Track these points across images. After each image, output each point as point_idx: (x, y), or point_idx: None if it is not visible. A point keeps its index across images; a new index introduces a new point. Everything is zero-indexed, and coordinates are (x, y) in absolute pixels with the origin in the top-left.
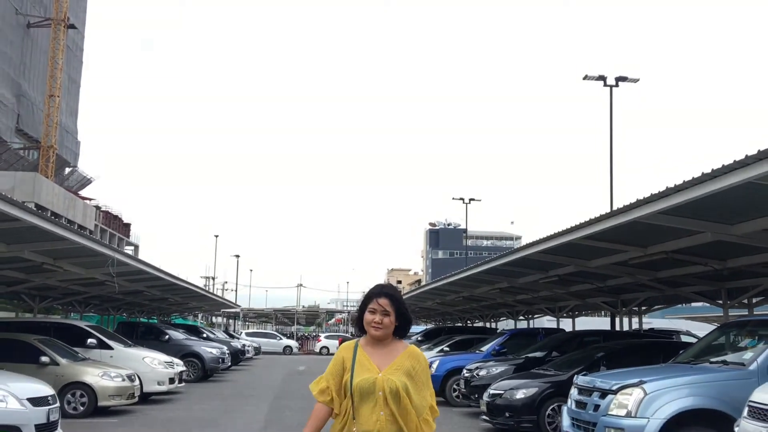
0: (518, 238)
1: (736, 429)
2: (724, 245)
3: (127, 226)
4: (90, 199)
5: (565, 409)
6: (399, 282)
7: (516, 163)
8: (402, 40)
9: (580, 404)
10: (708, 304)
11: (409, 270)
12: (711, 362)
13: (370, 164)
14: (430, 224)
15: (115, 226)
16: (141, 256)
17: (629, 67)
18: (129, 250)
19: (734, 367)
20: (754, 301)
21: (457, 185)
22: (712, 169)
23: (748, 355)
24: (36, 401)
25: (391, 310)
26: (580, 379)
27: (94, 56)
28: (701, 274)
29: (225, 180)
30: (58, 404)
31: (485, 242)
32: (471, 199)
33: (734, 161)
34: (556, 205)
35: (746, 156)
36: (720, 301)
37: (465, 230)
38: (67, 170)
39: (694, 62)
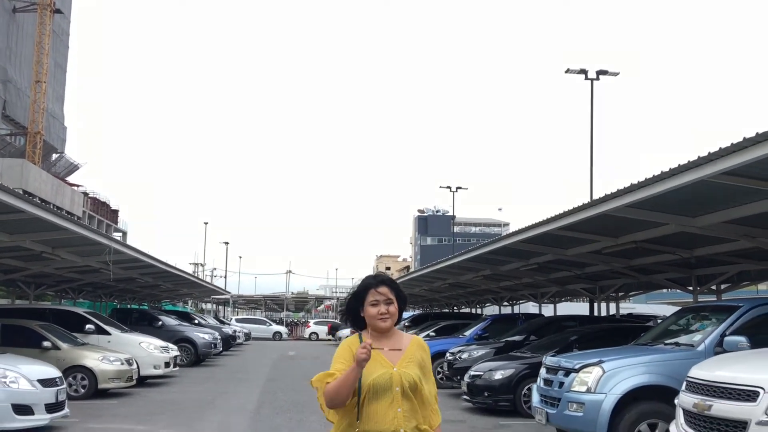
0: (506, 224)
1: (676, 401)
2: (690, 236)
3: (115, 212)
4: (77, 186)
5: (535, 387)
6: (388, 268)
7: (504, 151)
8: (395, 31)
9: (547, 382)
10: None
11: (398, 256)
12: (665, 344)
13: (359, 151)
14: (419, 211)
15: (103, 212)
16: (129, 243)
17: (638, 62)
18: (117, 236)
19: (685, 348)
20: (722, 287)
21: (447, 173)
22: (670, 168)
23: (697, 337)
24: (45, 382)
25: (393, 297)
26: (548, 360)
27: (81, 40)
28: (672, 262)
29: (214, 167)
30: (65, 385)
31: (473, 229)
32: (458, 188)
33: (688, 161)
34: (544, 192)
35: (698, 157)
36: (690, 288)
37: (452, 217)
38: (54, 156)
39: (676, 54)
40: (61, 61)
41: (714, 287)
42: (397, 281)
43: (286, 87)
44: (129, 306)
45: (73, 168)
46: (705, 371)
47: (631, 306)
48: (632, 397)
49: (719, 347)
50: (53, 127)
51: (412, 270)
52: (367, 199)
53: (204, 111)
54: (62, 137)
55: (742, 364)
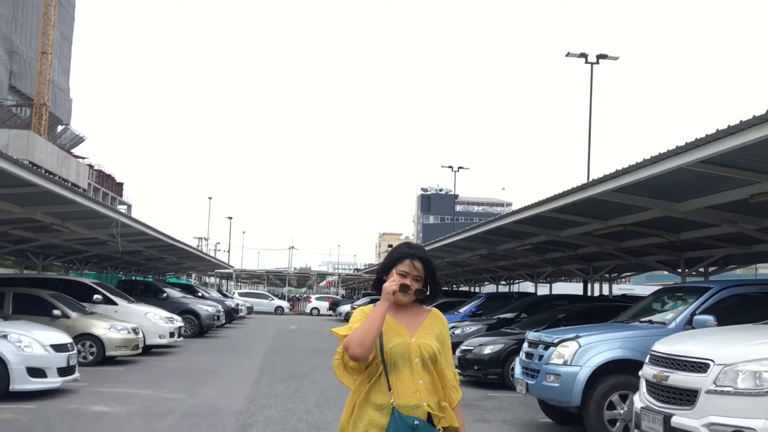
0: (509, 204)
1: (640, 373)
2: (675, 220)
3: (120, 185)
4: (83, 158)
5: (517, 360)
6: (390, 246)
7: (509, 132)
8: (400, 11)
9: (529, 355)
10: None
11: (401, 234)
12: (641, 321)
13: (363, 129)
14: (422, 189)
15: (108, 185)
16: (133, 216)
17: (639, 47)
18: (122, 209)
19: (657, 326)
20: (710, 270)
21: (451, 152)
22: (651, 156)
23: (669, 315)
24: (57, 347)
25: (423, 276)
26: (530, 335)
27: (86, 12)
28: (660, 244)
29: (219, 141)
30: (75, 351)
31: (476, 208)
32: (460, 167)
33: (667, 150)
34: (548, 172)
35: (677, 146)
36: (679, 270)
37: (455, 196)
38: (60, 128)
39: (674, 41)
40: (67, 33)
41: (702, 270)
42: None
43: (292, 64)
44: (134, 278)
45: (78, 140)
46: (666, 346)
47: (629, 287)
48: (606, 370)
49: (689, 325)
50: (59, 98)
51: None
52: (370, 176)
53: (210, 86)
54: (68, 109)
55: (697, 340)
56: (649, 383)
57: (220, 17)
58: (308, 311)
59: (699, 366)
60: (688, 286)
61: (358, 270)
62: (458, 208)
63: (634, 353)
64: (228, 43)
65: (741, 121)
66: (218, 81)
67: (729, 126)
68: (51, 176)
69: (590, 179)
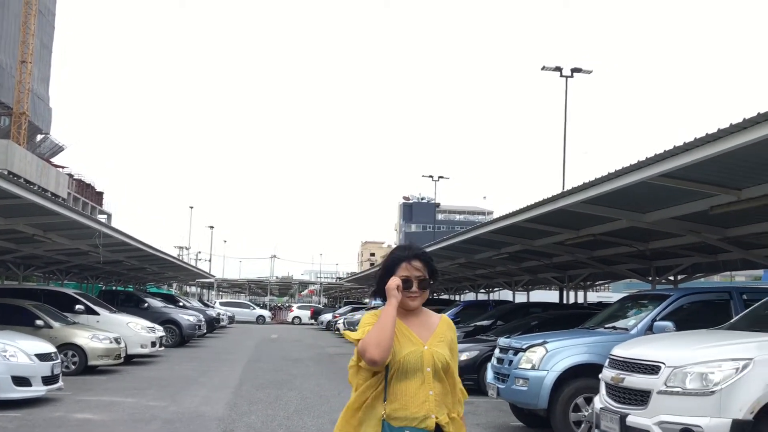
0: (490, 212)
1: (600, 376)
2: (643, 230)
3: (100, 194)
4: (62, 167)
5: (489, 365)
6: (372, 254)
7: (490, 141)
8: (382, 23)
9: (500, 360)
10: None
11: (383, 243)
12: (605, 327)
13: (345, 138)
14: (404, 198)
15: (88, 194)
16: (114, 226)
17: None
18: (102, 218)
19: (620, 331)
20: (679, 278)
21: (433, 161)
22: (615, 170)
23: (632, 321)
24: (42, 357)
25: (426, 275)
26: (501, 341)
27: (66, 21)
28: (631, 253)
29: (200, 150)
30: (59, 360)
31: (458, 216)
32: (440, 177)
33: (630, 164)
34: (528, 181)
35: (638, 161)
36: (650, 278)
37: (435, 205)
38: (39, 137)
39: (646, 54)
40: (47, 42)
41: (672, 278)
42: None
43: (273, 74)
44: (115, 288)
45: (58, 149)
46: (623, 350)
47: (608, 295)
48: (571, 374)
49: (649, 331)
50: (38, 107)
51: None
52: (353, 185)
53: (190, 95)
54: (47, 118)
55: (651, 344)
56: (608, 385)
57: (197, 27)
58: (290, 320)
59: (651, 368)
60: (650, 293)
61: (340, 279)
62: (440, 216)
63: (597, 358)
64: (207, 52)
65: (695, 138)
66: (199, 90)
67: (685, 142)
68: (32, 186)
69: (561, 191)
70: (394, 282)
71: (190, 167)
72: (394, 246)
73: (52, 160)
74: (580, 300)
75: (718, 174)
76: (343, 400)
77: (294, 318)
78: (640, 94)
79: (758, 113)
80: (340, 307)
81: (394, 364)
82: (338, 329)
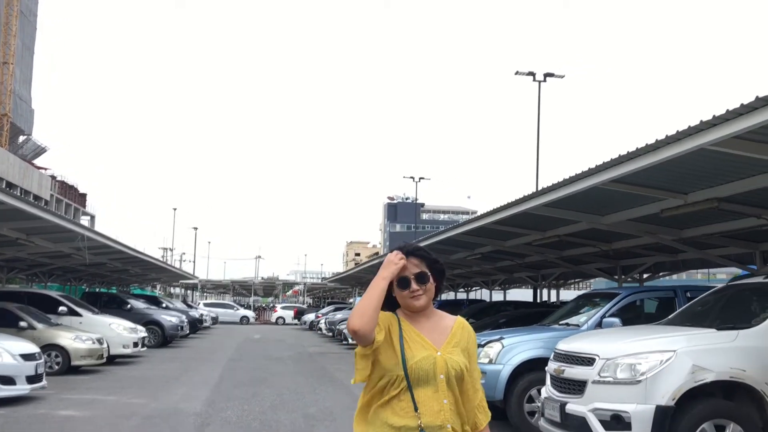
0: (474, 212)
1: (546, 368)
2: (604, 231)
3: (83, 196)
4: (45, 169)
5: None
6: (357, 254)
7: (474, 142)
8: (368, 25)
9: None
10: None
11: (368, 243)
12: (560, 324)
13: (330, 138)
14: (389, 198)
15: (71, 196)
16: (98, 227)
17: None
18: (85, 220)
19: (572, 328)
20: (644, 276)
21: (417, 161)
22: (570, 176)
23: (583, 318)
24: (26, 357)
25: (426, 269)
26: None
27: (48, 22)
28: (597, 253)
29: (184, 152)
30: (43, 360)
31: (442, 216)
32: (421, 178)
33: (582, 171)
34: (509, 179)
35: (588, 168)
36: (616, 277)
37: (417, 205)
38: (21, 139)
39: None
40: (29, 43)
41: (637, 276)
42: (366, 264)
43: (257, 76)
44: (98, 290)
45: (40, 150)
46: (565, 344)
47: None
48: (527, 368)
49: (599, 326)
50: (20, 109)
51: (380, 255)
52: (338, 185)
53: (173, 96)
54: (30, 119)
55: (589, 339)
56: (551, 377)
57: (180, 29)
58: (274, 321)
59: (588, 360)
60: (603, 292)
61: (325, 279)
62: (424, 216)
63: (550, 352)
64: (190, 54)
65: (637, 147)
66: (182, 91)
67: (629, 151)
68: (14, 192)
69: (524, 195)
70: (394, 254)
71: (174, 168)
72: (378, 245)
73: (34, 161)
74: (554, 298)
75: (665, 179)
76: (318, 397)
77: (278, 318)
78: (613, 94)
79: (689, 126)
80: (323, 307)
81: (410, 373)
82: (320, 329)
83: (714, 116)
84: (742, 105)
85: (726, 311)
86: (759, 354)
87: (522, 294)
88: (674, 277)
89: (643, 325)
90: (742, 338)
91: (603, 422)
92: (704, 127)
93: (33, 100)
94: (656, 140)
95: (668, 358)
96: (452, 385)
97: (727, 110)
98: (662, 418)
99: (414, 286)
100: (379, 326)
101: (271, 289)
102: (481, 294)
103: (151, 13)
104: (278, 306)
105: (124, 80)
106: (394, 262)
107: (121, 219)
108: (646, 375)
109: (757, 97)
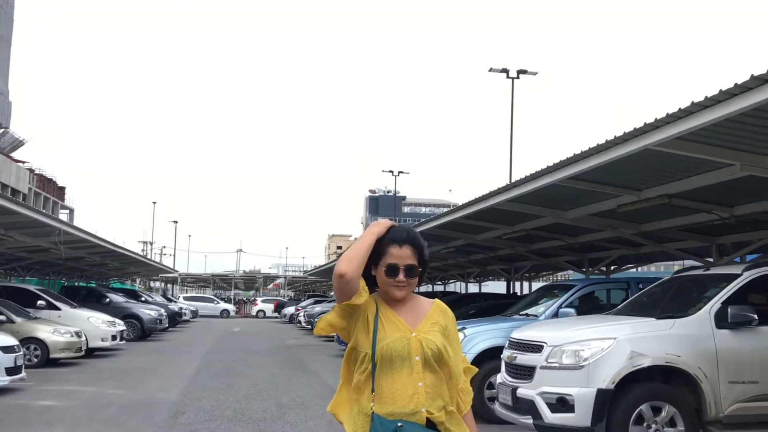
0: (455, 205)
1: (501, 356)
2: (570, 225)
3: (62, 189)
4: (23, 162)
5: None
6: (339, 247)
7: (455, 136)
8: (351, 19)
9: None
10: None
11: (350, 236)
12: (519, 314)
13: (312, 131)
14: (370, 191)
15: (50, 189)
16: (77, 221)
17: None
18: (64, 214)
19: (531, 318)
20: (612, 268)
21: (399, 155)
22: (530, 173)
23: (541, 309)
24: (5, 349)
25: (416, 263)
26: None
27: (25, 13)
28: (565, 247)
29: (163, 145)
30: (22, 352)
31: (424, 209)
32: (400, 172)
33: (541, 168)
34: (489, 173)
35: (547, 166)
36: (584, 269)
37: (402, 198)
38: None
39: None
40: (6, 34)
41: (604, 268)
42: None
43: (237, 67)
44: (77, 284)
45: (18, 143)
46: (518, 333)
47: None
48: (487, 356)
49: (555, 316)
50: None
51: None
52: (319, 178)
53: (153, 87)
54: (7, 112)
55: (540, 327)
56: (506, 363)
57: (159, 21)
58: (254, 314)
59: (537, 347)
60: (560, 284)
61: (306, 272)
62: (406, 209)
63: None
64: (170, 43)
65: (597, 144)
66: (161, 82)
67: (582, 151)
68: None
69: (490, 190)
70: (387, 221)
71: (154, 162)
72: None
73: (12, 154)
74: (527, 290)
75: (620, 177)
76: (292, 387)
77: (258, 312)
78: (583, 91)
79: (635, 128)
80: (304, 300)
81: (377, 352)
82: (300, 322)
83: (656, 119)
84: (680, 109)
85: (669, 301)
86: (693, 341)
87: (498, 286)
88: (652, 268)
89: (593, 315)
90: (678, 326)
91: (549, 405)
92: (648, 129)
93: (11, 92)
94: (606, 140)
95: (609, 345)
96: (431, 366)
97: (667, 113)
98: (603, 400)
99: (401, 276)
100: (363, 292)
101: (252, 282)
102: (459, 287)
103: (129, 3)
104: (259, 299)
105: (104, 73)
106: (386, 225)
107: (100, 212)
108: (589, 360)
109: (693, 102)
